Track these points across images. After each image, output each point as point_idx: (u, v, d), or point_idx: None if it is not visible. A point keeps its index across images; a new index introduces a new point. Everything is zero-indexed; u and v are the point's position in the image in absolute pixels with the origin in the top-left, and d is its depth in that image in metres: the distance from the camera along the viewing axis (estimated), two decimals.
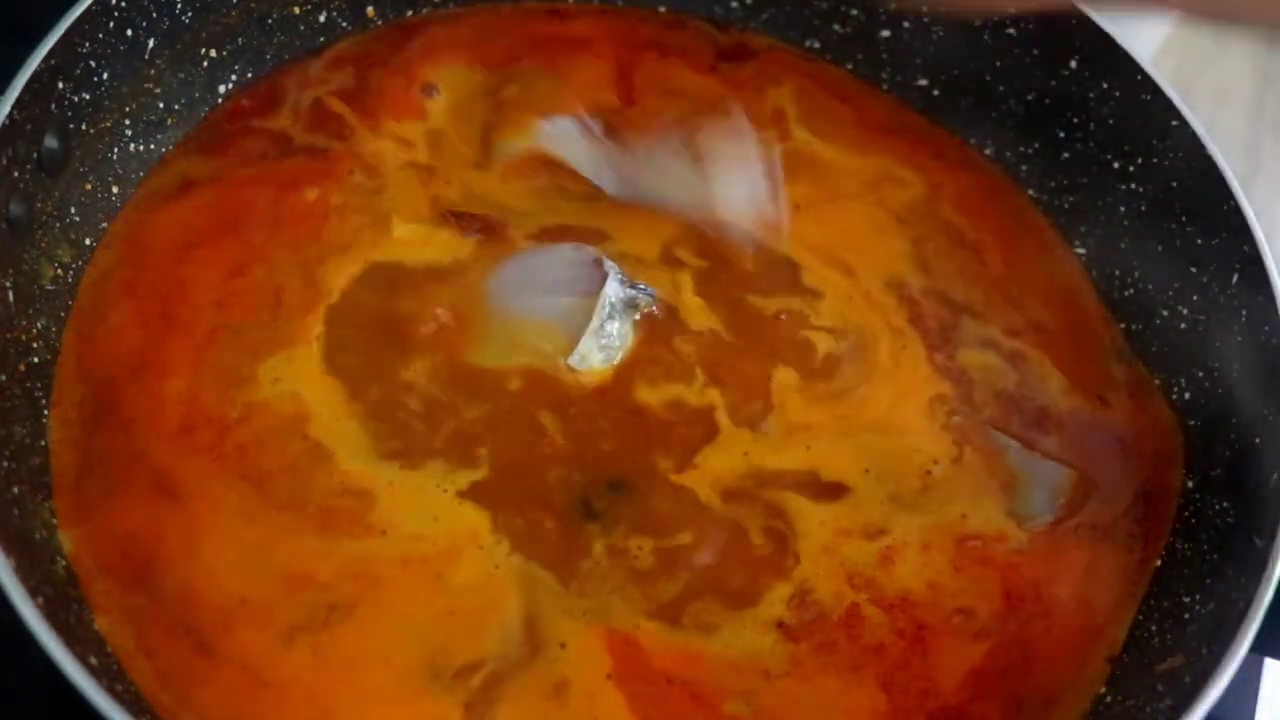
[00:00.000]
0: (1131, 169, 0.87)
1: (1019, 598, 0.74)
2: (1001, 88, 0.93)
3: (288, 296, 0.79)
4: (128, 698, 0.64)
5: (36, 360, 0.74)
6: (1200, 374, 0.81)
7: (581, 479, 0.75)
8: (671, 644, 0.70)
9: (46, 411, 0.73)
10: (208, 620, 0.67)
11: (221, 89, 0.88)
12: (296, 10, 0.90)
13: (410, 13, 0.95)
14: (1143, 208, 0.86)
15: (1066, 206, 0.91)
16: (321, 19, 0.92)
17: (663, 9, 0.98)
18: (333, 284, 0.79)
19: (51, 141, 0.75)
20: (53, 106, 0.75)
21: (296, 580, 0.69)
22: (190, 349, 0.76)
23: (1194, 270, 0.83)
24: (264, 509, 0.71)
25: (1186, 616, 0.72)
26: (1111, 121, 0.88)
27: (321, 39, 0.92)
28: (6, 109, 0.70)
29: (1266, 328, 0.76)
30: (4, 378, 0.70)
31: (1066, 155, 0.91)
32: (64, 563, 0.68)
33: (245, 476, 0.72)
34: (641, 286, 0.81)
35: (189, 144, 0.86)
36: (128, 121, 0.82)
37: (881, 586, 0.73)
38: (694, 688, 0.69)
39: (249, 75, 0.89)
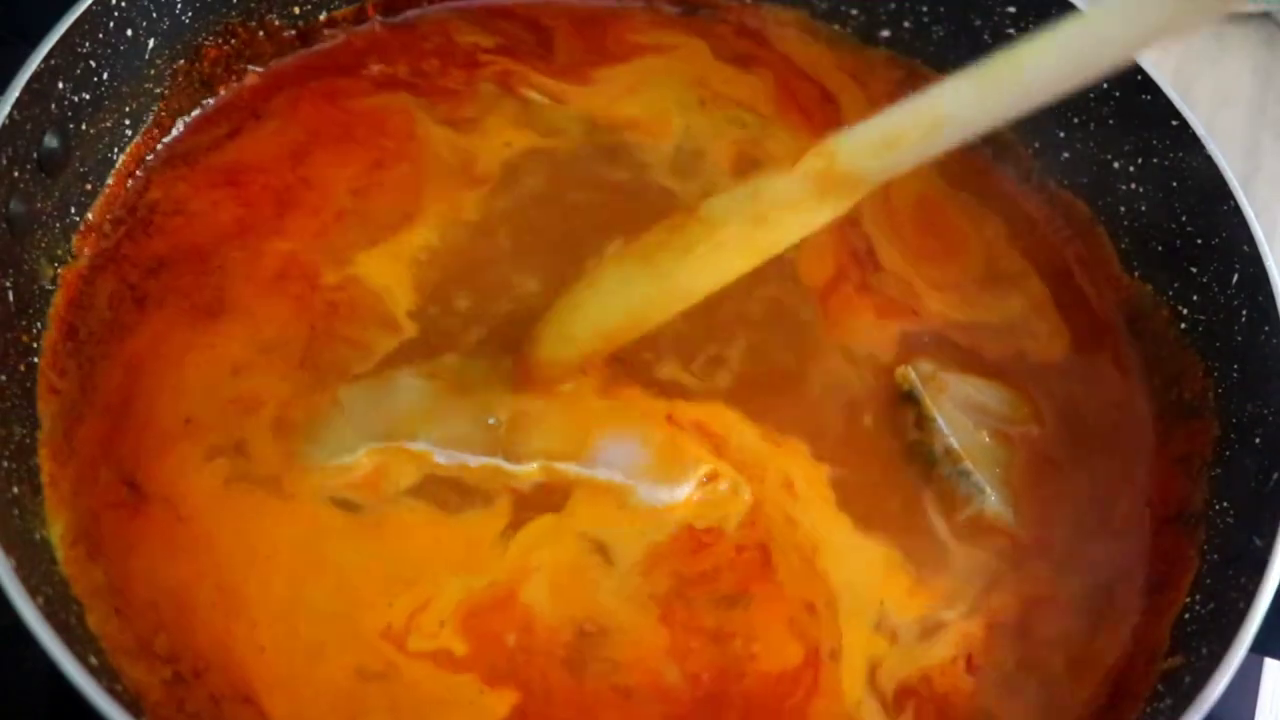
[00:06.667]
0: (1131, 169, 0.87)
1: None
2: None
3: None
4: (127, 698, 0.64)
5: (36, 360, 0.74)
6: (1200, 374, 0.81)
7: None
8: None
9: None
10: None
11: (222, 89, 0.88)
12: (296, 10, 0.90)
13: (410, 12, 0.95)
14: (1143, 208, 0.86)
15: None
16: (321, 18, 0.92)
17: None
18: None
19: (51, 141, 0.75)
20: (53, 106, 0.75)
21: None
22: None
23: (1194, 270, 0.83)
24: None
25: (1186, 616, 0.72)
26: (1111, 121, 0.88)
27: (322, 39, 0.92)
28: (6, 109, 0.70)
29: (1266, 328, 0.76)
30: (4, 378, 0.70)
31: (1066, 155, 0.91)
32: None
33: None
34: None
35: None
36: (128, 121, 0.82)
37: None
38: None
39: (249, 75, 0.89)
